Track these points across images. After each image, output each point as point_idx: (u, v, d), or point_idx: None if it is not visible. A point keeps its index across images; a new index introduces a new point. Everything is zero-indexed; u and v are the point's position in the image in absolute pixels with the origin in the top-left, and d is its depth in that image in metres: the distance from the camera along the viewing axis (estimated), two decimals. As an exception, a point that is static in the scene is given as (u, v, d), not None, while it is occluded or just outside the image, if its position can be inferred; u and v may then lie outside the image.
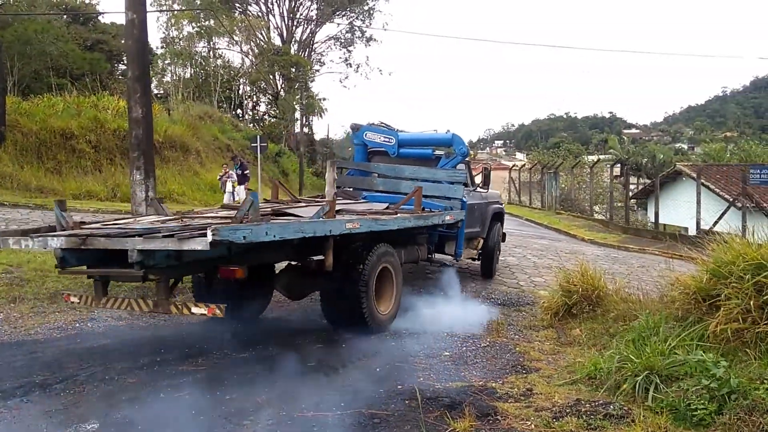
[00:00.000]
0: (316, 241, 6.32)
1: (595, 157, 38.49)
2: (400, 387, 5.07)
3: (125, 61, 45.17)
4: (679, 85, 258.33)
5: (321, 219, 6.32)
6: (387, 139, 10.67)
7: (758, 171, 14.15)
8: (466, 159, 10.69)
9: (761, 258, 4.70)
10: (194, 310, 5.74)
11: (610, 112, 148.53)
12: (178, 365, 5.64)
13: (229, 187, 19.23)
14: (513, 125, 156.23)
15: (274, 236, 5.44)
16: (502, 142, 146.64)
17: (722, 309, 4.77)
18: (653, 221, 23.54)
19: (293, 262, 7.26)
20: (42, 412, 4.40)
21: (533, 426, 4.25)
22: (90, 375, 5.23)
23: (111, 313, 7.50)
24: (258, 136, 23.41)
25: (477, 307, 8.75)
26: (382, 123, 11.08)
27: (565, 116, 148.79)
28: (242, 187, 19.10)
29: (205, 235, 4.80)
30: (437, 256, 10.20)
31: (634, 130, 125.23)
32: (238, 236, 5.00)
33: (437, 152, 10.66)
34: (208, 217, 6.61)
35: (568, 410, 4.45)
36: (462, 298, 9.17)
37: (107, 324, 7.19)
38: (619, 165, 31.28)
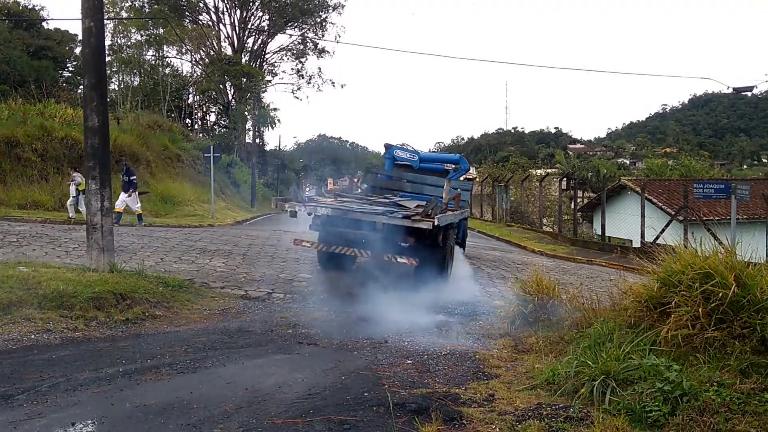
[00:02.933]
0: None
1: (542, 171, 39.45)
2: (366, 394, 5.16)
3: (71, 69, 44.20)
4: (621, 102, 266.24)
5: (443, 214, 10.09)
6: (412, 156, 14.53)
7: (701, 186, 14.84)
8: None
9: (709, 267, 4.98)
10: (399, 260, 9.93)
11: (556, 128, 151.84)
12: (142, 376, 5.59)
13: (72, 191, 16.97)
14: (462, 139, 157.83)
15: (443, 222, 9.90)
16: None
17: (672, 316, 5.02)
18: (599, 233, 24.24)
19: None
20: (6, 423, 4.33)
21: (498, 429, 4.40)
22: (52, 386, 5.16)
23: (66, 323, 7.39)
24: (212, 147, 23.24)
25: (435, 316, 8.96)
26: (405, 144, 14.91)
27: (512, 131, 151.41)
28: (126, 194, 17.32)
29: (431, 219, 9.13)
30: None
31: (578, 145, 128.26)
32: (440, 222, 9.48)
33: (446, 167, 14.36)
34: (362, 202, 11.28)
35: (530, 414, 4.62)
36: (420, 308, 9.37)
37: (63, 335, 7.07)
38: (560, 179, 32.12)
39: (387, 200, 12.13)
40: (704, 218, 18.48)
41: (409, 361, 6.45)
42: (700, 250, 5.32)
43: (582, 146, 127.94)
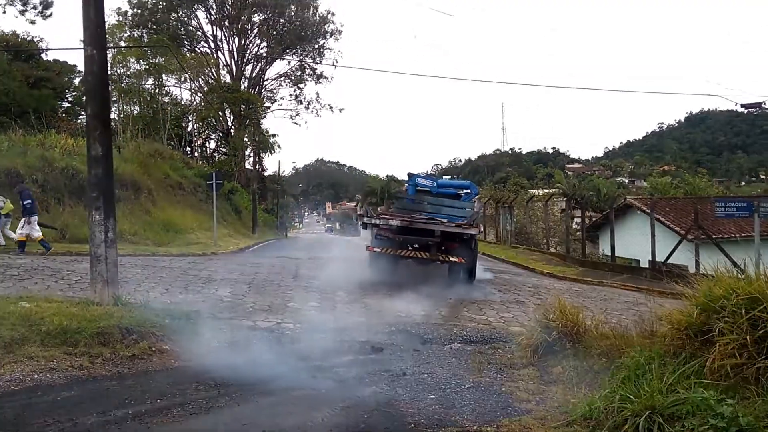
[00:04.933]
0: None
1: (544, 192, 39.25)
2: (393, 434, 4.86)
3: (70, 99, 44.22)
4: (618, 121, 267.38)
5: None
6: (430, 183, 17.06)
7: (722, 204, 14.27)
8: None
9: (755, 292, 4.71)
10: (451, 258, 13.49)
11: (553, 148, 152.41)
12: (152, 418, 5.28)
13: None
14: (460, 160, 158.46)
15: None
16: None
17: (717, 345, 4.73)
18: (605, 253, 23.95)
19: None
20: (10, 477, 4.03)
21: (540, 472, 4.09)
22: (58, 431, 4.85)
23: (71, 361, 7.07)
24: (214, 174, 23.02)
25: (451, 345, 8.67)
26: (426, 172, 18.54)
27: (510, 152, 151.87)
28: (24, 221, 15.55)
29: (476, 228, 14.17)
30: None
31: (576, 165, 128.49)
32: (477, 231, 14.20)
33: (459, 192, 17.02)
34: (414, 219, 14.31)
35: (572, 454, 4.31)
36: (436, 336, 9.10)
37: (68, 374, 6.73)
38: (568, 199, 31.87)
39: (425, 217, 14.85)
40: (714, 237, 18.20)
41: (432, 396, 6.13)
42: (743, 273, 5.04)
43: (580, 166, 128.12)
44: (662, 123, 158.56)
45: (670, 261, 18.75)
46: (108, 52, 39.88)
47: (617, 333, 6.67)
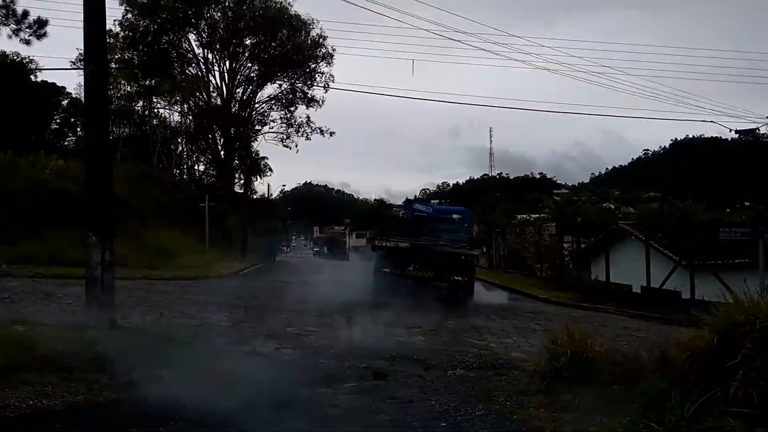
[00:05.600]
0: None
1: (535, 216, 39.20)
2: (410, 466, 4.70)
3: (58, 120, 43.90)
4: (603, 147, 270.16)
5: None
6: (426, 209, 18.44)
7: (727, 230, 14.27)
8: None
9: (780, 318, 4.63)
10: (455, 278, 15.12)
11: (541, 173, 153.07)
12: (156, 448, 5.08)
13: None
14: (448, 185, 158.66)
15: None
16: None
17: (741, 371, 4.64)
18: (598, 278, 23.88)
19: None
20: None
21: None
22: (59, 463, 4.64)
23: (67, 387, 6.85)
24: (206, 197, 22.89)
25: (455, 371, 8.53)
26: (415, 196, 19.19)
27: (498, 177, 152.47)
28: None
29: (481, 249, 20.71)
30: None
31: (563, 191, 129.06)
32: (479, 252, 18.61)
33: (454, 217, 18.29)
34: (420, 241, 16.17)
35: (598, 486, 4.18)
36: (439, 361, 8.96)
37: (65, 400, 6.50)
38: (558, 224, 31.77)
39: (424, 240, 16.15)
40: (709, 262, 18.22)
41: (444, 424, 5.98)
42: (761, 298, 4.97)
43: (566, 191, 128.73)
44: (648, 149, 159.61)
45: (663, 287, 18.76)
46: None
47: (630, 359, 6.56)
